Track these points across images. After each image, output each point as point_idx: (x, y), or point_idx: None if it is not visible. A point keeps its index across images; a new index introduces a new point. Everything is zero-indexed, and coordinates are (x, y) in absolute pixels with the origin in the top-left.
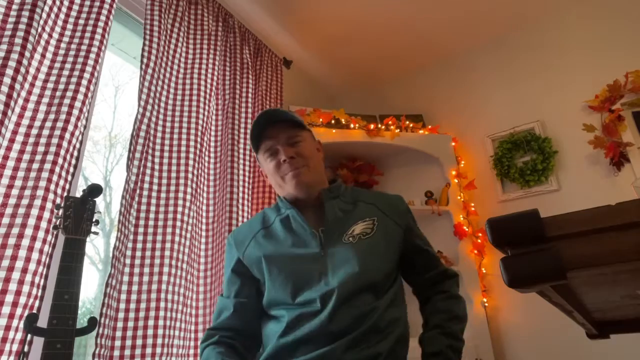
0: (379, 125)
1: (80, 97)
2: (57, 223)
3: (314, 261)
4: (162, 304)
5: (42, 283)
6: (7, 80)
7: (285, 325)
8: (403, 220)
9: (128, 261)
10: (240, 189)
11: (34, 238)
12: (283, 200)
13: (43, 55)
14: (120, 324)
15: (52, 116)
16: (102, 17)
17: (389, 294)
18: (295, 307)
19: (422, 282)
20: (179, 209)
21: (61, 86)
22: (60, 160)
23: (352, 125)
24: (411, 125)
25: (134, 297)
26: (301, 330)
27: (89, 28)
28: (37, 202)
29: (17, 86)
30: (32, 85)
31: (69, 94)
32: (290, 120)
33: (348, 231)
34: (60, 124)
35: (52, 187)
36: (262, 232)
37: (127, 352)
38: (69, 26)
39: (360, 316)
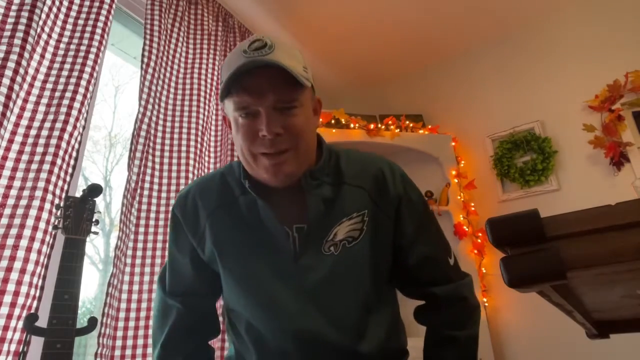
0: (379, 125)
1: (79, 97)
2: (57, 223)
3: (286, 278)
4: None
5: (40, 284)
6: (6, 80)
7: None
8: (391, 207)
9: (129, 261)
10: None
11: (32, 238)
12: (247, 189)
13: (42, 56)
14: (121, 324)
15: (51, 116)
16: (102, 17)
17: (386, 322)
18: (261, 333)
19: (411, 293)
20: None
21: (60, 86)
22: (58, 161)
23: (352, 125)
24: (411, 125)
25: (135, 296)
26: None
27: (89, 28)
28: (36, 203)
29: (16, 87)
30: (31, 85)
31: (68, 94)
32: (288, 72)
33: (329, 235)
34: (59, 125)
35: (51, 187)
36: (219, 212)
37: (129, 351)
38: (69, 26)
39: (354, 347)
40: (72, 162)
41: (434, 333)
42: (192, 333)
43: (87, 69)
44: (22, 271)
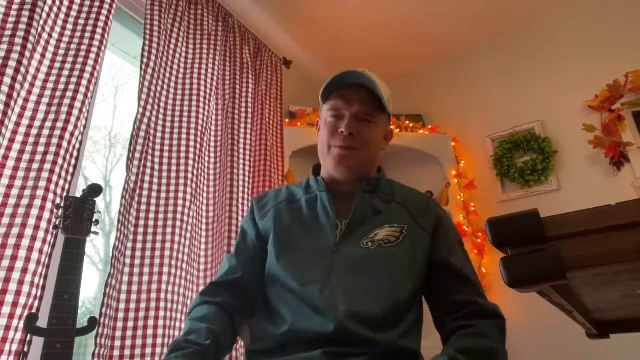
0: None
1: (80, 97)
2: (57, 223)
3: (323, 256)
4: (162, 304)
5: (41, 283)
6: (7, 80)
7: (287, 329)
8: (430, 224)
9: (128, 261)
10: (240, 189)
11: (33, 238)
12: (319, 181)
13: (43, 55)
14: (120, 324)
15: (52, 116)
16: (102, 17)
17: (406, 321)
18: (298, 303)
19: (441, 310)
20: (179, 209)
21: (61, 86)
22: (60, 161)
23: None
24: (411, 125)
25: (133, 297)
26: (301, 335)
27: (89, 28)
28: (37, 202)
29: (17, 86)
30: (32, 85)
31: (69, 94)
32: (376, 95)
33: (370, 234)
34: (60, 124)
35: (52, 187)
36: (284, 204)
37: (127, 352)
38: (69, 26)
39: (365, 340)
40: (73, 161)
41: (466, 330)
42: (230, 290)
43: (88, 69)
44: (24, 271)
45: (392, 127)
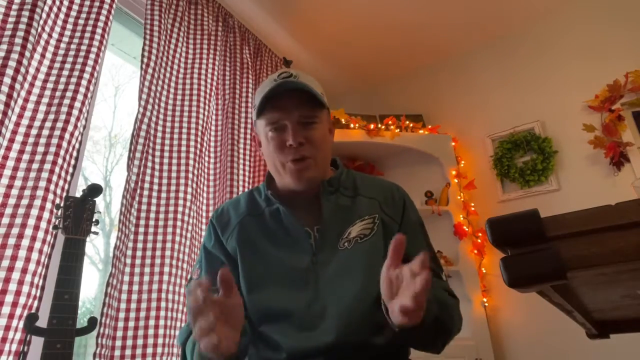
0: (379, 125)
1: (79, 97)
2: (57, 223)
3: (304, 271)
4: (163, 304)
5: (41, 283)
6: (7, 80)
7: (286, 355)
8: (398, 212)
9: (129, 261)
10: (240, 189)
11: (33, 238)
12: (271, 193)
13: (43, 55)
14: (121, 324)
15: (51, 116)
16: (102, 17)
17: None
18: (289, 325)
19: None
20: (179, 208)
21: (61, 86)
22: (59, 161)
23: (352, 125)
24: (411, 125)
25: (134, 297)
26: (300, 354)
27: (89, 28)
28: (37, 202)
29: (17, 86)
30: (32, 85)
31: (69, 94)
32: (311, 93)
33: (344, 234)
34: (59, 124)
35: (52, 187)
36: (248, 218)
37: (128, 352)
38: (69, 26)
39: (364, 344)
40: (72, 161)
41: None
42: None
43: (88, 69)
44: (24, 271)
45: (331, 118)
